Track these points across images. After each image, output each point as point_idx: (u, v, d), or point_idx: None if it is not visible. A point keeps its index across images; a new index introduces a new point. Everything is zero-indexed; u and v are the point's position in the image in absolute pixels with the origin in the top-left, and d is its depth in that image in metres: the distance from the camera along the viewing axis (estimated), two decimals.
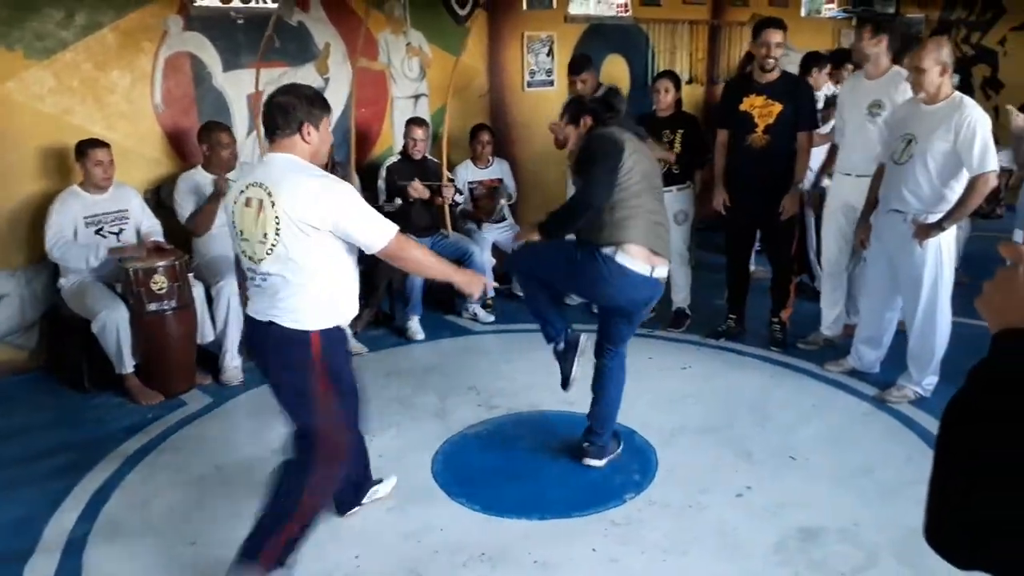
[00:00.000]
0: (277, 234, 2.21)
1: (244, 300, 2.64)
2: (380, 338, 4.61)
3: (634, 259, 2.75)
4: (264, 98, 2.46)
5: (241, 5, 4.52)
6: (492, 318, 4.85)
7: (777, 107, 4.00)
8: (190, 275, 3.90)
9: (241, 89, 4.57)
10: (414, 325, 4.64)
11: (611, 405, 3.12)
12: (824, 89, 4.98)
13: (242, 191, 2.29)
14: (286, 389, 2.37)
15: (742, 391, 3.79)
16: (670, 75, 4.58)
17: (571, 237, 2.91)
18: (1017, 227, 4.74)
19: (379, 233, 2.27)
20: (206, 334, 3.99)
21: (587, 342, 3.06)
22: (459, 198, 4.99)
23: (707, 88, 7.09)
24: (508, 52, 5.78)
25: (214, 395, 3.86)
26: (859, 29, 4.04)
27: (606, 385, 3.10)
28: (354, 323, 4.04)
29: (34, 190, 4.01)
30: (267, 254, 2.23)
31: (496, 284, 3.96)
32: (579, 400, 3.23)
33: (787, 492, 2.91)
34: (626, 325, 3.05)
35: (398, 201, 4.64)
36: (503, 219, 5.23)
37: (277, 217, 2.19)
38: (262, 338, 2.34)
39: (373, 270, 4.26)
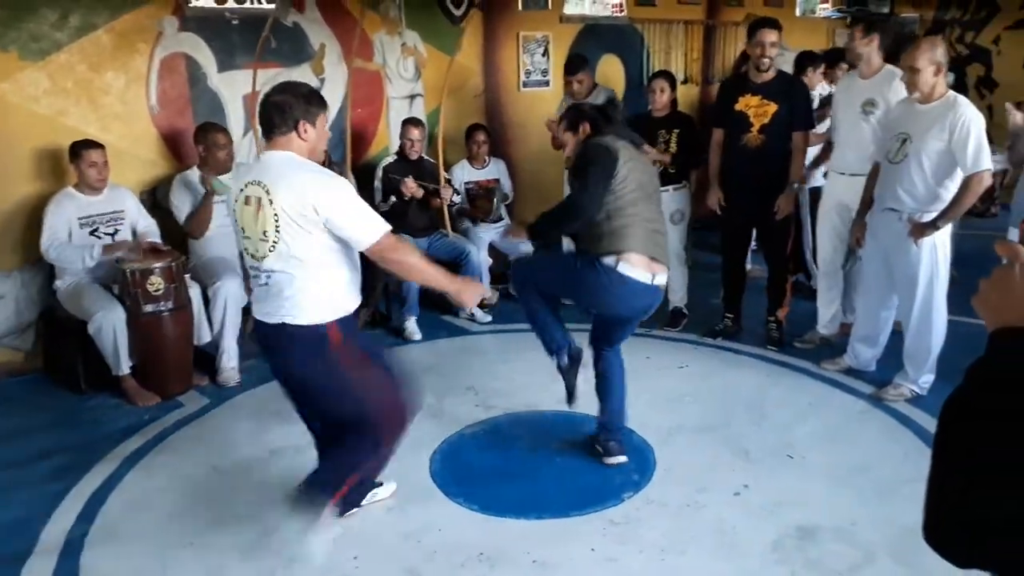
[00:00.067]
0: (277, 231, 2.21)
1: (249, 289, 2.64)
2: (377, 339, 4.61)
3: (634, 267, 2.76)
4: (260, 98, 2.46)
5: (236, 6, 4.52)
6: (489, 318, 4.85)
7: (772, 107, 4.01)
8: (187, 276, 3.90)
9: (236, 90, 4.57)
10: (411, 325, 4.64)
11: (620, 400, 3.14)
12: (819, 89, 4.99)
13: (241, 189, 2.30)
14: (317, 385, 2.39)
15: (739, 390, 3.80)
16: (665, 75, 4.58)
17: (570, 247, 2.92)
18: (1012, 225, 4.76)
19: (370, 229, 2.27)
20: (203, 335, 3.98)
21: (589, 353, 3.05)
22: (456, 198, 4.99)
23: (702, 88, 7.10)
24: (503, 52, 5.79)
25: (211, 396, 3.85)
26: (851, 29, 4.05)
27: (610, 383, 3.10)
28: None
29: (29, 191, 4.00)
30: (269, 251, 2.24)
31: (490, 295, 3.96)
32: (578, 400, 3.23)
33: (784, 490, 2.92)
34: (623, 329, 3.07)
35: (393, 199, 4.64)
36: (500, 219, 5.23)
37: (276, 214, 2.20)
38: (276, 340, 2.35)
39: (370, 271, 4.26)
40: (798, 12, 7.67)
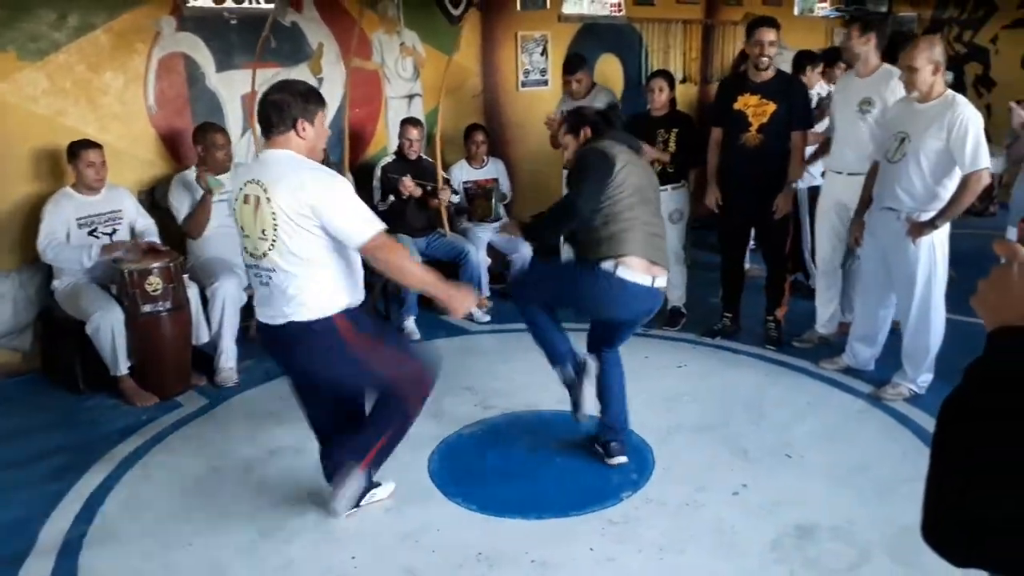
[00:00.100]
0: (275, 230, 2.21)
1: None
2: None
3: (634, 271, 2.76)
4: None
5: (234, 6, 4.51)
6: (488, 318, 4.84)
7: (771, 106, 4.01)
8: (185, 276, 3.89)
9: (234, 90, 4.57)
10: (410, 325, 4.63)
11: (621, 400, 3.14)
12: (817, 88, 4.99)
13: (241, 188, 2.30)
14: (333, 373, 2.42)
15: (738, 389, 3.80)
16: (664, 74, 4.58)
17: (569, 257, 2.93)
18: (1010, 224, 4.76)
19: (363, 227, 2.27)
20: (201, 335, 3.98)
21: (594, 364, 3.04)
22: (455, 198, 4.99)
23: (701, 87, 7.10)
24: (502, 52, 5.79)
25: (209, 396, 3.85)
26: (848, 28, 4.05)
27: (611, 386, 3.10)
28: None
29: (27, 192, 4.00)
30: (268, 250, 2.24)
31: (485, 300, 3.97)
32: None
33: (783, 490, 2.92)
34: (624, 332, 3.07)
35: (391, 198, 4.64)
36: (499, 219, 5.23)
37: (274, 213, 2.20)
38: (285, 339, 2.35)
39: (370, 271, 4.26)
40: (796, 11, 7.68)
